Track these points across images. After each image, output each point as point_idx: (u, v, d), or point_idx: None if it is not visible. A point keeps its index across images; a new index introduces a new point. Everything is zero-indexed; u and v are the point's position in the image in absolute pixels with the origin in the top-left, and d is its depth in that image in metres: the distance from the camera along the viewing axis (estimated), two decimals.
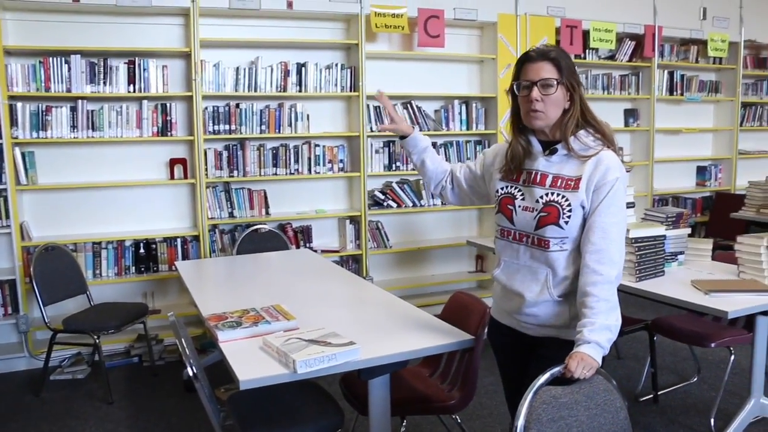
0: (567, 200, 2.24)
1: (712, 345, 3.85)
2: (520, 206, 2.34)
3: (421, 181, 6.04)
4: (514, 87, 2.32)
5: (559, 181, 2.28)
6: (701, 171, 7.70)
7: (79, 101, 4.94)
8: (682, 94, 7.29)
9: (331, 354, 2.36)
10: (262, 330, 2.74)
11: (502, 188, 2.43)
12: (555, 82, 2.23)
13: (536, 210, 2.29)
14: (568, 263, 2.28)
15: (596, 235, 2.19)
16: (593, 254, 2.19)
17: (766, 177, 6.11)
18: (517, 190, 2.37)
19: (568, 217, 2.23)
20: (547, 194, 2.28)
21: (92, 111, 4.99)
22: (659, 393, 4.25)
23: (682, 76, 7.31)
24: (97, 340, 4.33)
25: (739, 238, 3.70)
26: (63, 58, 4.87)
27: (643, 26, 6.78)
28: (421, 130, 5.79)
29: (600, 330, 2.10)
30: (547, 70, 2.24)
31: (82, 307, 4.76)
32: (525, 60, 2.30)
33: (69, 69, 4.88)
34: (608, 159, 2.24)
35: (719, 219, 7.09)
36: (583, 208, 2.24)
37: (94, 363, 4.87)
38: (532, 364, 2.33)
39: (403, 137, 2.67)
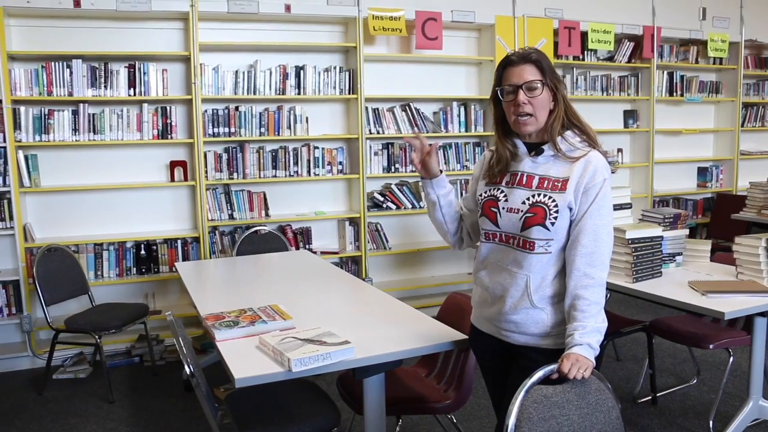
0: (554, 201, 2.21)
1: (711, 346, 3.82)
2: (504, 208, 2.31)
3: (420, 183, 6.04)
4: (498, 92, 2.30)
5: (546, 182, 2.25)
6: (702, 172, 7.71)
7: (81, 105, 4.99)
8: (682, 95, 7.29)
9: (325, 353, 2.38)
10: (258, 329, 2.76)
11: (485, 192, 2.40)
12: (540, 84, 2.22)
13: (522, 211, 2.25)
14: (549, 268, 2.25)
15: (587, 238, 2.19)
16: (584, 257, 2.18)
17: (767, 178, 6.11)
18: (500, 192, 2.34)
19: (555, 218, 2.20)
20: (534, 195, 2.25)
21: (93, 114, 5.04)
22: (658, 395, 4.24)
23: (682, 76, 7.31)
24: (99, 340, 4.37)
25: (737, 238, 3.65)
26: (65, 63, 4.92)
27: (642, 27, 6.79)
28: (419, 132, 5.90)
29: (591, 332, 2.12)
30: (530, 72, 2.23)
31: (83, 308, 4.80)
32: (506, 64, 2.28)
33: (71, 73, 4.93)
34: (596, 160, 2.22)
35: (720, 220, 7.10)
36: (570, 209, 2.21)
37: (96, 362, 4.91)
38: (513, 374, 2.31)
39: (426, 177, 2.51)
